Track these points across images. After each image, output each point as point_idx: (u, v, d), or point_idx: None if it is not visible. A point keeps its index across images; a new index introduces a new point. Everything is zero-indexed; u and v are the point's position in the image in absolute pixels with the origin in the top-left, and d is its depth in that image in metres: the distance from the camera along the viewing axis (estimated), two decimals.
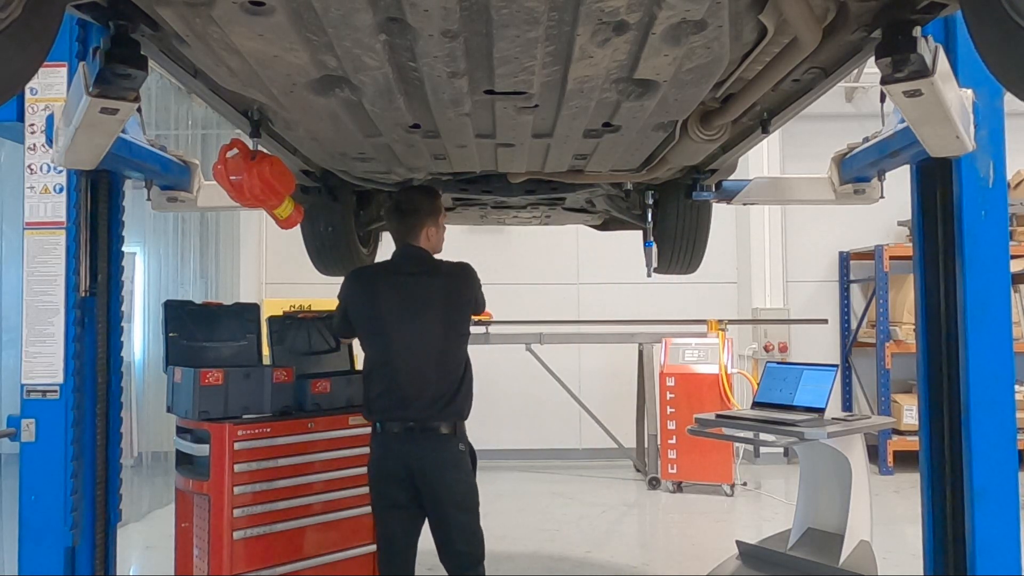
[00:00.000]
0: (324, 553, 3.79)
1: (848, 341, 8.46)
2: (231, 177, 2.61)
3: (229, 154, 2.60)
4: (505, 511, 6.29)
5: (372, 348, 3.25)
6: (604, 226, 4.77)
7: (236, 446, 3.50)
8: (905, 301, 7.58)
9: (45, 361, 3.16)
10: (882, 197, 3.78)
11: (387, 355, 3.18)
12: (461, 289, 3.25)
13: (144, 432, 6.63)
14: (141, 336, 6.74)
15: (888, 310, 7.74)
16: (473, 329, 7.09)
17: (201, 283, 7.40)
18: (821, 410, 3.82)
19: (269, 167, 2.63)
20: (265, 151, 2.79)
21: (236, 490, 3.48)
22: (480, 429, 8.10)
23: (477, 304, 3.35)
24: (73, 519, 3.16)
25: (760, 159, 7.72)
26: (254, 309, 4.23)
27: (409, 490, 3.15)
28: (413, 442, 3.12)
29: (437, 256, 3.33)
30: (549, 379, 7.55)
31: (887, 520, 5.75)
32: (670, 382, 6.99)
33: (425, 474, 3.11)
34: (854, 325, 8.45)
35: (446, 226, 3.38)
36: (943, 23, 2.85)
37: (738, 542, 4.17)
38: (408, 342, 3.16)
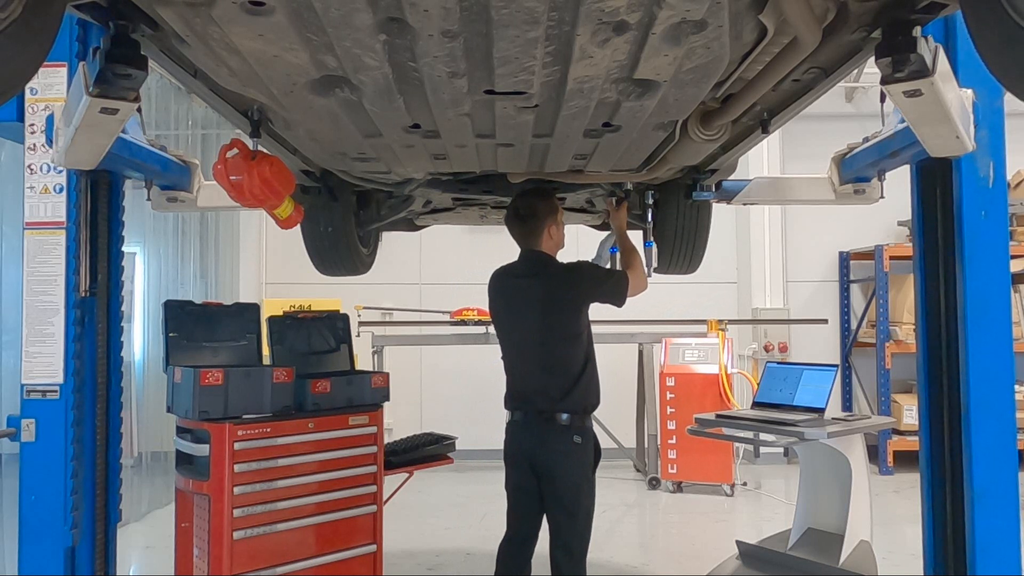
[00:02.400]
0: (324, 553, 3.79)
1: (848, 341, 8.46)
2: (231, 177, 2.60)
3: (229, 154, 2.59)
4: (505, 511, 6.27)
5: (501, 345, 3.53)
6: (604, 226, 4.77)
7: (236, 446, 3.50)
8: (905, 301, 7.58)
9: (45, 361, 3.17)
10: (882, 197, 3.78)
11: (506, 353, 3.49)
12: (562, 289, 3.34)
13: (144, 432, 6.63)
14: (141, 336, 6.74)
15: (888, 310, 7.74)
16: (473, 329, 7.10)
17: (201, 283, 7.40)
18: (821, 410, 3.83)
19: (269, 167, 2.62)
20: (265, 151, 2.79)
21: (236, 490, 3.49)
22: (481, 428, 8.06)
23: (601, 294, 3.40)
24: (73, 519, 3.16)
25: (760, 159, 7.72)
26: (254, 309, 4.23)
27: (531, 475, 3.33)
28: (530, 430, 3.34)
29: (559, 251, 3.49)
30: None
31: (887, 520, 5.75)
32: (670, 382, 6.99)
33: (539, 461, 3.30)
34: (854, 325, 8.45)
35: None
36: (943, 23, 2.85)
37: (738, 542, 4.17)
38: (516, 342, 3.44)
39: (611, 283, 3.43)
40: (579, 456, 3.25)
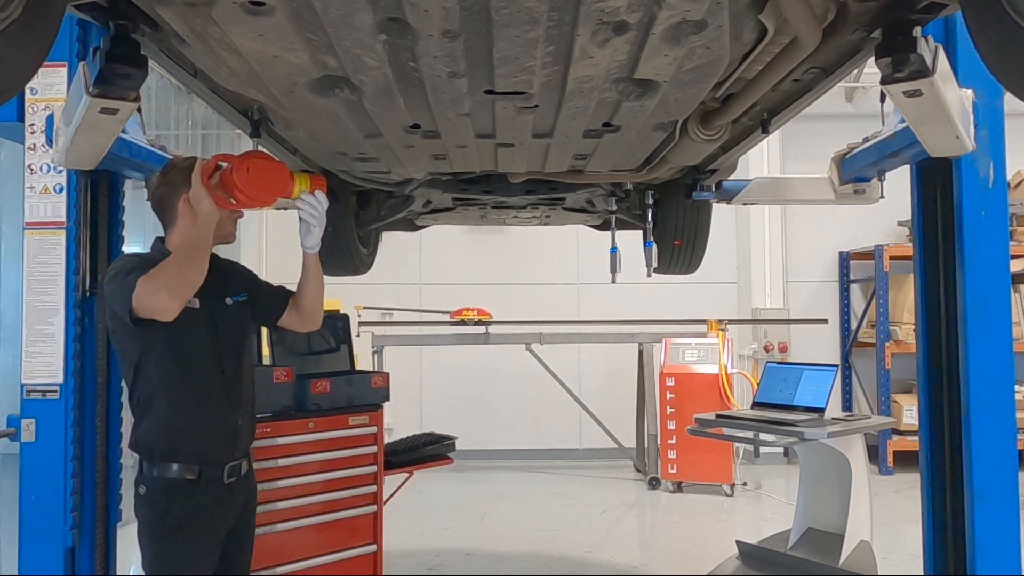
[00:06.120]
0: (324, 553, 3.79)
1: (848, 341, 8.46)
2: (226, 198, 2.52)
3: (212, 181, 2.49)
4: (505, 511, 6.30)
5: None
6: (604, 226, 4.77)
7: None
8: (905, 301, 7.58)
9: (45, 361, 3.16)
10: (882, 197, 3.78)
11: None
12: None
13: None
14: None
15: (888, 310, 7.74)
16: (473, 329, 7.14)
17: None
18: (821, 410, 3.83)
19: (246, 173, 2.48)
20: (234, 156, 2.68)
21: None
22: (480, 429, 8.06)
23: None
24: (73, 519, 3.16)
25: (760, 159, 7.72)
26: None
27: None
28: None
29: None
30: (549, 379, 7.54)
31: (887, 520, 5.75)
32: (670, 382, 6.99)
33: None
34: (854, 325, 8.45)
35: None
36: (943, 23, 2.85)
37: (738, 542, 4.17)
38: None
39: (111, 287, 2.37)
40: (142, 512, 2.50)
